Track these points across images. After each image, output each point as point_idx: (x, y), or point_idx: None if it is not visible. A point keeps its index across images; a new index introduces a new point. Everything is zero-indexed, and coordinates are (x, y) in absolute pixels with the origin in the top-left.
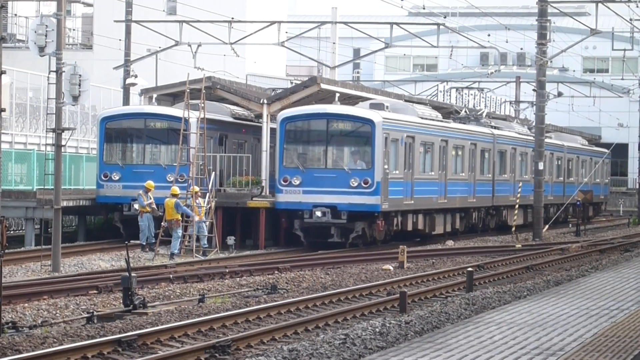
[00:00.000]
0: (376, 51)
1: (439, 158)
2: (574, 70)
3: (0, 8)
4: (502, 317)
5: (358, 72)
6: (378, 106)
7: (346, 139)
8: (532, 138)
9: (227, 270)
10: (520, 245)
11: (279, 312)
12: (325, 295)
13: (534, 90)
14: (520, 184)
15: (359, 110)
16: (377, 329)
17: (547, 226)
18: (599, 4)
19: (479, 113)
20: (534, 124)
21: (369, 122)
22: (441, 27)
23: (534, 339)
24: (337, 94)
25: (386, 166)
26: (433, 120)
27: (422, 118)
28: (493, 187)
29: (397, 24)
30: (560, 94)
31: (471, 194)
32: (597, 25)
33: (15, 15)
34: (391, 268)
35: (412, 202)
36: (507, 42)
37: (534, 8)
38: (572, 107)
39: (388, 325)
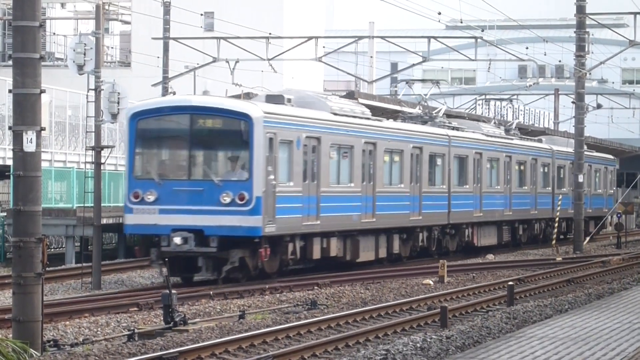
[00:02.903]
0: (414, 65)
1: (362, 165)
2: (613, 82)
3: (39, 27)
4: (544, 331)
5: (396, 87)
6: (276, 99)
7: (216, 140)
8: (507, 140)
9: (266, 287)
10: (560, 258)
11: (319, 327)
12: (365, 310)
13: (572, 102)
14: (511, 197)
15: (232, 102)
16: (418, 344)
17: (587, 239)
18: (638, 15)
19: (435, 112)
20: (513, 125)
21: (245, 118)
22: (479, 40)
23: (577, 353)
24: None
25: (272, 176)
26: (354, 117)
27: (335, 114)
28: (449, 201)
29: (434, 37)
30: (599, 106)
31: (416, 209)
32: (635, 36)
33: (54, 33)
34: (431, 283)
35: (318, 222)
36: (545, 54)
37: (572, 20)
38: (612, 118)
39: (429, 340)
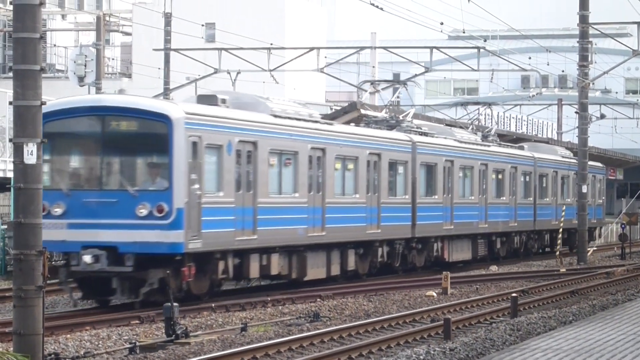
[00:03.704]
0: (416, 75)
1: (309, 174)
2: (616, 92)
3: (40, 39)
4: (548, 343)
5: (398, 97)
6: (208, 99)
7: (132, 144)
8: (484, 147)
9: (269, 299)
10: (564, 270)
11: (322, 340)
12: (368, 322)
13: (576, 112)
14: (492, 207)
15: (150, 102)
16: (421, 357)
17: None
18: None
19: (402, 115)
20: (492, 131)
21: (163, 119)
22: (481, 50)
23: None
24: None
25: (196, 185)
26: (298, 120)
27: (276, 116)
28: (414, 212)
29: (437, 48)
30: (602, 116)
31: (374, 222)
32: (639, 46)
33: (55, 45)
34: (434, 294)
35: (256, 237)
36: (548, 64)
37: (575, 30)
38: (615, 129)
39: (432, 352)
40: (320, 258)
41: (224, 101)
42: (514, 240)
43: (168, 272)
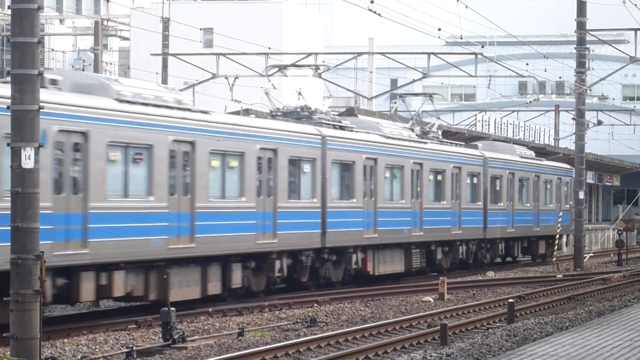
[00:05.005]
0: (414, 81)
1: (169, 172)
2: (613, 99)
3: (38, 43)
4: (545, 349)
5: (395, 103)
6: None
7: None
8: (418, 144)
9: (265, 304)
10: (561, 276)
11: (318, 345)
12: (365, 328)
13: (573, 119)
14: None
15: None
16: None
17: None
18: (638, 32)
19: (315, 108)
20: (434, 127)
21: None
22: (479, 56)
23: None
24: None
25: None
26: (157, 107)
27: (122, 101)
28: (324, 219)
29: (434, 53)
30: (600, 123)
31: (268, 230)
32: (636, 52)
33: (53, 50)
34: (431, 300)
35: (87, 251)
36: (545, 70)
37: (572, 36)
38: (612, 135)
39: (429, 357)
40: (192, 274)
41: (54, 82)
42: (458, 250)
43: None
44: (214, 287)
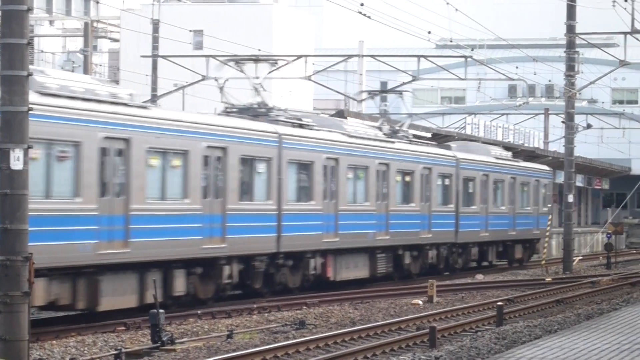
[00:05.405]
0: (403, 84)
1: (100, 172)
2: (603, 102)
3: (27, 44)
4: (533, 352)
5: (385, 105)
6: None
7: None
8: (384, 144)
9: (255, 306)
10: (550, 279)
11: (307, 347)
12: (354, 330)
13: (562, 122)
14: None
15: None
16: None
17: (577, 259)
18: (628, 35)
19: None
20: (404, 126)
21: None
22: (469, 59)
23: None
24: None
25: None
26: (87, 101)
27: (46, 95)
28: (279, 222)
29: (424, 56)
30: (589, 126)
31: (216, 234)
32: (625, 56)
33: (42, 51)
34: (420, 303)
35: None
36: (535, 74)
37: (562, 40)
38: (602, 138)
39: None
40: (127, 282)
41: None
42: (427, 254)
43: None
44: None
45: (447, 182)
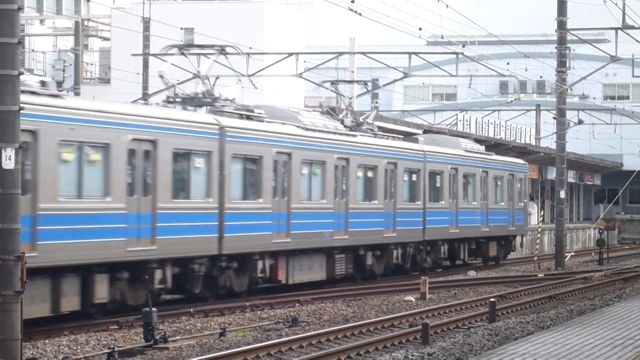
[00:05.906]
0: (395, 81)
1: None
2: (594, 98)
3: (18, 44)
4: (526, 348)
5: (377, 102)
6: None
7: None
8: (342, 138)
9: (247, 304)
10: (542, 275)
11: (300, 345)
12: (346, 327)
13: (554, 118)
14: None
15: None
16: None
17: (569, 255)
18: (619, 31)
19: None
20: (370, 118)
21: None
22: (460, 56)
23: None
24: None
25: None
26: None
27: None
28: (221, 221)
29: (415, 53)
30: (580, 122)
31: (146, 235)
32: (617, 52)
33: (33, 50)
34: (413, 299)
35: None
36: (526, 70)
37: (553, 36)
38: (593, 134)
39: (410, 357)
40: (37, 288)
41: None
42: (392, 254)
43: None
44: (70, 303)
45: (414, 177)
